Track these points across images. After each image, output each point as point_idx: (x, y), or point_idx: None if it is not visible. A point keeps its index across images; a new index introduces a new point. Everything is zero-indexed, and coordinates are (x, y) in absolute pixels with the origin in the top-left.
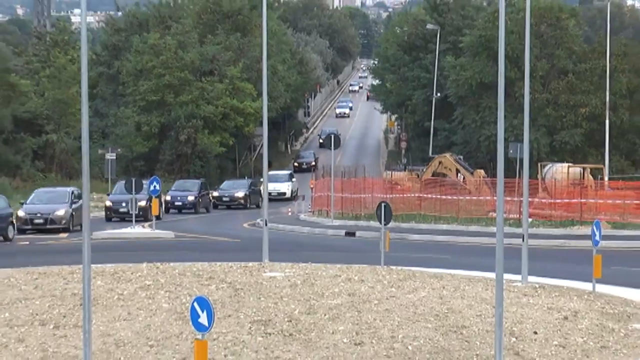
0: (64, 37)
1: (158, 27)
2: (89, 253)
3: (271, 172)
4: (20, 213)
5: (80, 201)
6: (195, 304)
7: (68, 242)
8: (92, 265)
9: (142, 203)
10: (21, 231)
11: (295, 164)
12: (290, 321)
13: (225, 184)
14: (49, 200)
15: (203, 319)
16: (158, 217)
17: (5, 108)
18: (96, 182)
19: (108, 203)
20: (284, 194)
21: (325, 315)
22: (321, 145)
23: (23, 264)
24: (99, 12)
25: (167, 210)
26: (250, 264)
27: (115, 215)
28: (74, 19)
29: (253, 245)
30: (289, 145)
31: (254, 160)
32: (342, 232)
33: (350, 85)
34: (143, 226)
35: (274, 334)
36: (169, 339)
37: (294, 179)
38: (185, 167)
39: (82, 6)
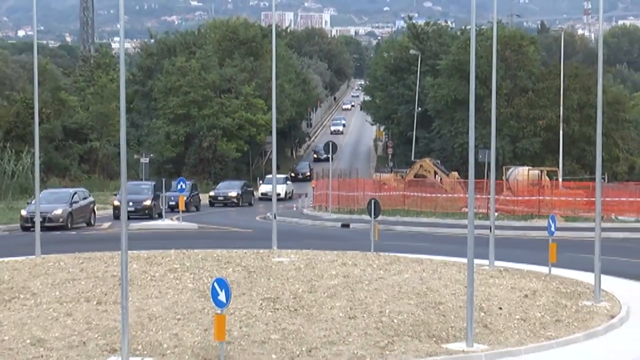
0: (105, 60)
1: (184, 52)
2: (126, 241)
3: (269, 176)
4: (23, 212)
5: (81, 201)
6: (215, 284)
7: (108, 232)
8: (128, 251)
9: (147, 202)
10: (25, 228)
11: (292, 174)
12: (295, 298)
13: (221, 185)
14: (53, 200)
15: (222, 297)
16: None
17: (56, 120)
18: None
19: (116, 202)
20: (279, 194)
21: (324, 293)
22: (315, 160)
23: (71, 250)
24: (135, 40)
25: None
26: (262, 250)
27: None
28: (114, 45)
29: (264, 235)
30: (294, 151)
31: (265, 164)
32: (339, 224)
33: (344, 104)
34: (171, 219)
35: (281, 309)
36: (193, 313)
37: (288, 182)
38: (207, 169)
39: (120, 35)
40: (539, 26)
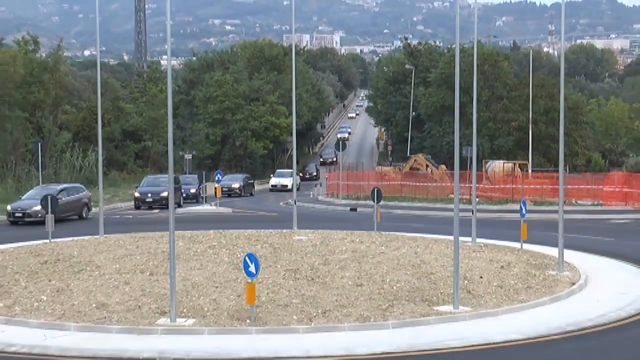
0: (155, 75)
1: (220, 67)
2: (173, 223)
3: (279, 170)
4: (8, 207)
5: (69, 197)
6: (247, 258)
7: (158, 216)
8: (175, 231)
9: (164, 194)
10: (11, 222)
11: (301, 174)
12: (312, 270)
13: (226, 178)
14: (41, 196)
15: (252, 268)
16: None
17: (115, 124)
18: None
19: (137, 194)
20: (286, 186)
21: (336, 265)
22: (322, 163)
23: (128, 231)
24: (180, 58)
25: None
26: (284, 230)
27: (142, 204)
28: (162, 62)
29: (286, 217)
30: (310, 149)
31: (287, 159)
32: (347, 208)
33: (349, 113)
34: (210, 205)
35: (300, 278)
36: (229, 282)
37: (295, 176)
38: (239, 164)
39: (168, 54)
40: (512, 45)
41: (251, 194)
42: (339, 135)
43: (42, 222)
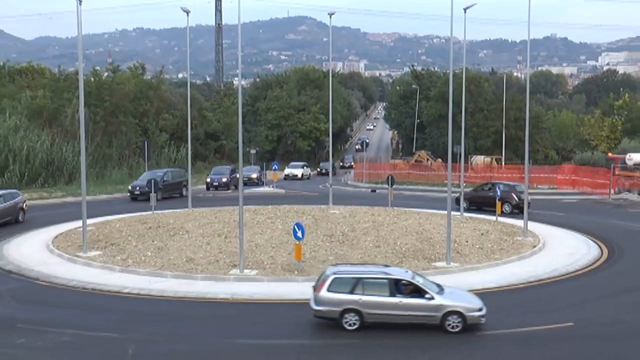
0: (229, 92)
1: (277, 86)
2: (242, 200)
3: (292, 163)
4: None
5: (3, 205)
6: (295, 226)
7: (231, 195)
8: (243, 206)
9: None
10: None
11: (318, 169)
12: (343, 235)
13: (244, 169)
14: None
15: (299, 234)
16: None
17: (200, 127)
18: (246, 165)
19: (130, 187)
20: (297, 176)
21: (361, 232)
22: (341, 167)
23: (209, 205)
24: (247, 79)
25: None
26: (323, 206)
27: (136, 196)
28: (234, 82)
29: (324, 196)
30: (342, 146)
31: (325, 154)
32: (369, 190)
33: (368, 125)
34: (268, 187)
35: (335, 241)
36: (282, 244)
37: (305, 167)
38: (290, 158)
39: (239, 77)
40: (491, 71)
41: (264, 183)
42: (357, 147)
43: None
